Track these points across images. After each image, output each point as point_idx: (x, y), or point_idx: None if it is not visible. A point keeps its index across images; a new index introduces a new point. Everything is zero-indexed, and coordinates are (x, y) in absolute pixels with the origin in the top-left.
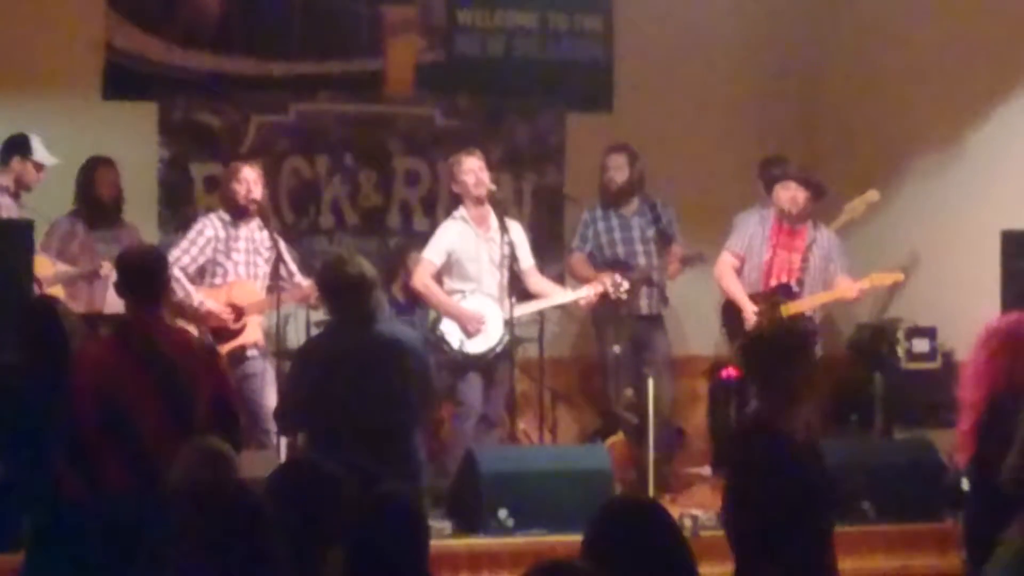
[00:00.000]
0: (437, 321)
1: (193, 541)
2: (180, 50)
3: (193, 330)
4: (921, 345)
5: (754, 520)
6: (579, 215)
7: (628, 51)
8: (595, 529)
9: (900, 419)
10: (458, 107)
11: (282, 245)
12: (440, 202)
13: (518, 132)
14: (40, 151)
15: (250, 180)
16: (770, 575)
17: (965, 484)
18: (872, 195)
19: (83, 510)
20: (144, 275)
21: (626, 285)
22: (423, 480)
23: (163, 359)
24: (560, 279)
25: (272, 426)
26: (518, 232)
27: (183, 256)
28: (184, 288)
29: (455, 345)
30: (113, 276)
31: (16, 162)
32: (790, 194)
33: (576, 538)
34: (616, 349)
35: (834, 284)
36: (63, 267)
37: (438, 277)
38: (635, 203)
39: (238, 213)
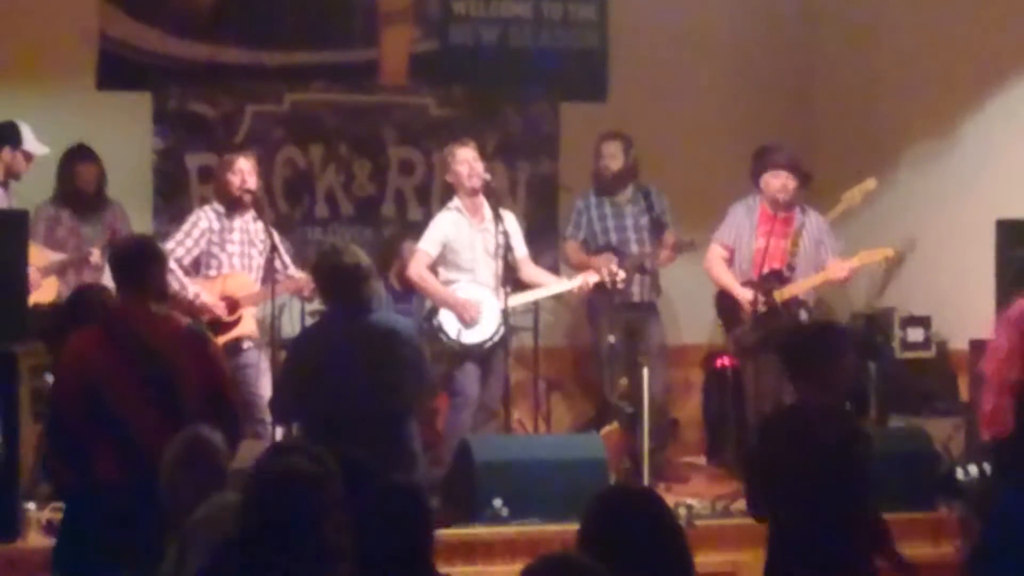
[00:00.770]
0: (433, 311)
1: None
2: (174, 40)
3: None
4: (916, 334)
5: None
6: (575, 202)
7: (622, 40)
8: (590, 518)
9: (895, 408)
10: (452, 97)
11: (276, 237)
12: (434, 191)
13: (512, 121)
14: (30, 141)
15: (244, 171)
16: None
17: (960, 473)
18: (870, 184)
19: (74, 501)
20: (131, 265)
21: (622, 275)
22: (418, 469)
23: (148, 349)
24: (554, 268)
25: (267, 416)
26: (512, 222)
27: (178, 248)
28: (179, 280)
29: (452, 335)
30: (104, 264)
31: (6, 152)
32: (780, 182)
33: (571, 527)
34: (611, 339)
35: (826, 267)
36: (54, 256)
37: (433, 268)
38: (629, 191)
39: (232, 204)
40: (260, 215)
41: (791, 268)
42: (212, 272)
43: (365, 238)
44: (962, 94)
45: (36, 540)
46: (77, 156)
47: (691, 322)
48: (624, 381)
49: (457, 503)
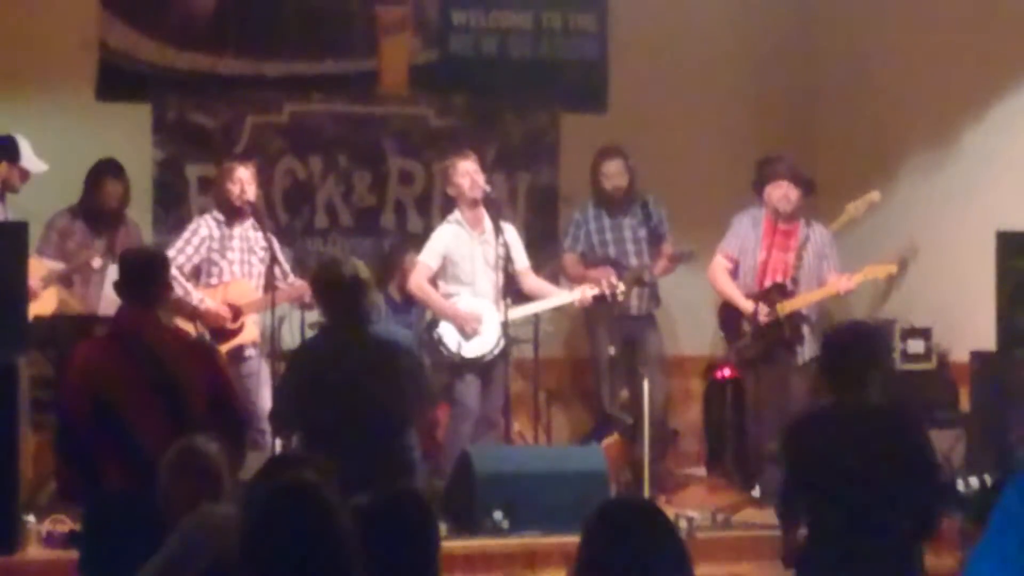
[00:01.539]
0: (433, 322)
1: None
2: (174, 50)
3: (191, 329)
4: (916, 346)
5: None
6: (573, 215)
7: (623, 50)
8: (591, 530)
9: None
10: (452, 107)
11: (276, 245)
12: (434, 202)
13: (512, 132)
14: (29, 157)
15: (244, 180)
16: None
17: (961, 484)
18: (873, 196)
19: (81, 508)
20: (144, 276)
21: (622, 287)
22: (418, 480)
23: (156, 358)
24: (554, 279)
25: (267, 427)
26: (512, 234)
27: (178, 256)
28: (183, 286)
29: (453, 347)
30: (108, 270)
31: (3, 166)
32: (782, 192)
33: (572, 539)
34: (611, 350)
35: (827, 280)
36: (53, 265)
37: (433, 280)
38: (627, 203)
39: (232, 213)
40: (260, 224)
41: (794, 281)
42: (213, 280)
43: (365, 249)
44: (962, 105)
45: (36, 552)
46: (107, 171)
47: (690, 333)
48: (624, 392)
49: (457, 514)
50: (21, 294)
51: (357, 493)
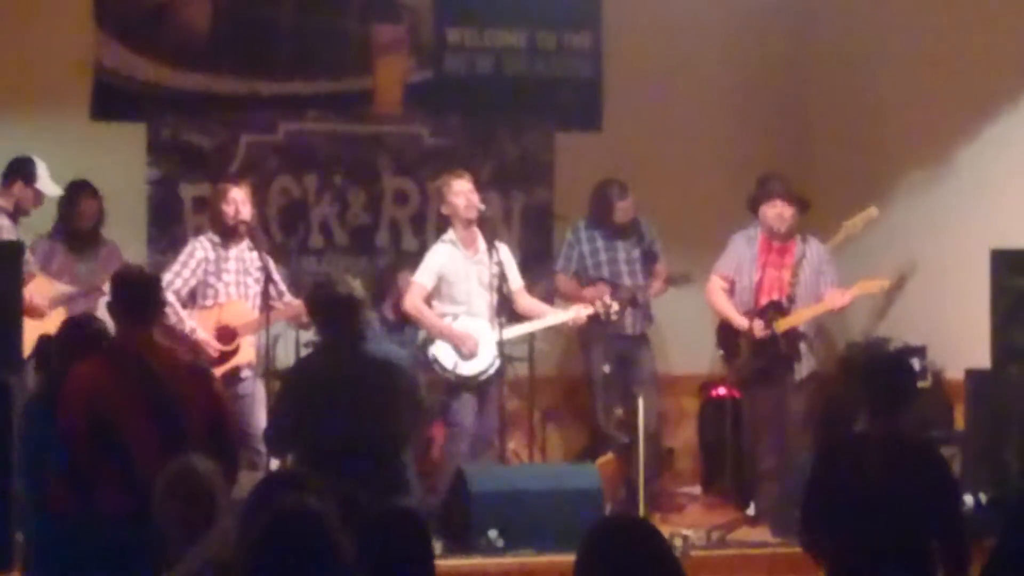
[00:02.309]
0: (427, 341)
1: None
2: (169, 70)
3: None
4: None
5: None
6: (566, 235)
7: (617, 69)
8: (587, 549)
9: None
10: (447, 126)
11: (271, 264)
12: (429, 221)
13: (507, 151)
14: (44, 180)
15: (238, 200)
16: None
17: None
18: (871, 212)
19: (77, 529)
20: (140, 295)
21: (616, 307)
22: (413, 499)
23: (155, 379)
24: (549, 298)
25: (262, 447)
26: (506, 253)
27: (175, 279)
28: (177, 314)
29: (449, 366)
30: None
31: (18, 187)
32: (777, 211)
33: (567, 558)
34: (606, 369)
35: (824, 296)
36: (63, 287)
37: (428, 300)
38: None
39: (227, 234)
40: (255, 244)
41: (791, 299)
42: (208, 302)
43: (359, 268)
44: (957, 123)
45: None
46: (79, 191)
47: (684, 352)
48: (619, 411)
49: (453, 533)
50: (16, 313)
51: (353, 512)
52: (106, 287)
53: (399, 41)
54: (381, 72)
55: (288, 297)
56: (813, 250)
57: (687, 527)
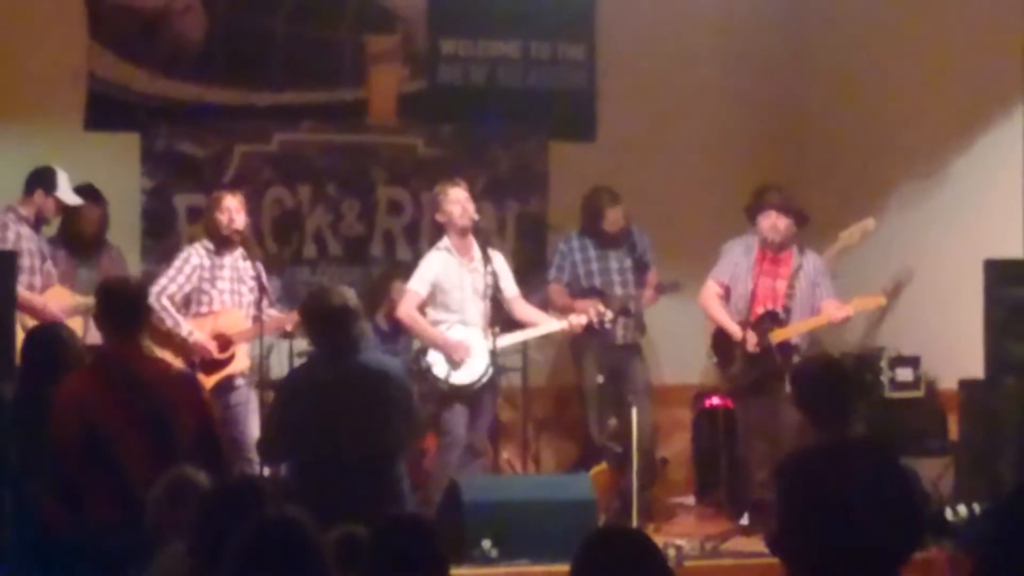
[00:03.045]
0: (422, 351)
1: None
2: (163, 80)
3: (179, 361)
4: (905, 374)
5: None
6: (558, 245)
7: (611, 80)
8: (581, 559)
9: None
10: (441, 136)
11: (263, 274)
12: (423, 231)
13: (501, 161)
14: (64, 190)
15: (232, 209)
16: None
17: (950, 512)
18: (869, 224)
19: (67, 541)
20: (126, 307)
21: (610, 315)
22: (407, 509)
23: (144, 390)
24: (543, 308)
25: (255, 456)
26: (500, 262)
27: (170, 285)
28: (173, 318)
29: (441, 376)
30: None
31: (39, 195)
32: (770, 222)
33: (560, 568)
34: (599, 379)
35: (820, 308)
36: (80, 298)
37: (421, 308)
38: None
39: (221, 242)
40: (249, 253)
41: (787, 310)
42: (203, 309)
43: (353, 278)
44: (950, 134)
45: None
46: (84, 196)
47: (676, 361)
48: (613, 421)
49: (446, 544)
50: (9, 322)
51: (346, 521)
52: None
53: (393, 51)
54: (375, 82)
55: (273, 309)
56: (810, 262)
57: (681, 537)
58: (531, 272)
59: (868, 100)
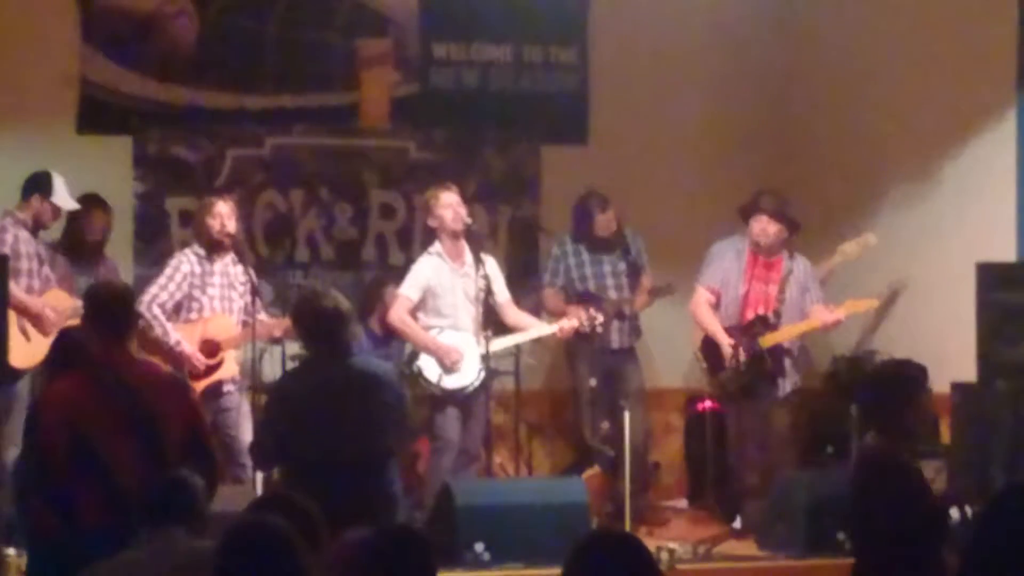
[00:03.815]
0: (414, 355)
1: None
2: (155, 84)
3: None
4: None
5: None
6: (552, 250)
7: (604, 84)
8: (572, 563)
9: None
10: (433, 140)
11: (254, 279)
12: (415, 235)
13: (493, 165)
14: (61, 195)
15: (224, 214)
16: None
17: None
18: (869, 239)
19: (58, 546)
20: (114, 311)
21: (601, 319)
22: (399, 514)
23: (132, 394)
24: (536, 311)
25: (248, 460)
26: (493, 266)
27: (161, 293)
28: (163, 326)
29: (434, 380)
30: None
31: (36, 200)
32: (761, 226)
33: (553, 572)
34: (593, 382)
35: (810, 314)
36: (79, 302)
37: (413, 313)
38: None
39: (212, 247)
40: (241, 259)
41: (777, 315)
42: (193, 315)
43: (346, 282)
44: (941, 138)
45: None
46: (91, 204)
47: (669, 366)
48: (605, 425)
49: (438, 548)
50: (2, 325)
51: (339, 527)
52: None
53: (385, 55)
54: (367, 86)
55: (263, 315)
56: (800, 267)
57: (673, 541)
58: (523, 276)
59: (860, 105)
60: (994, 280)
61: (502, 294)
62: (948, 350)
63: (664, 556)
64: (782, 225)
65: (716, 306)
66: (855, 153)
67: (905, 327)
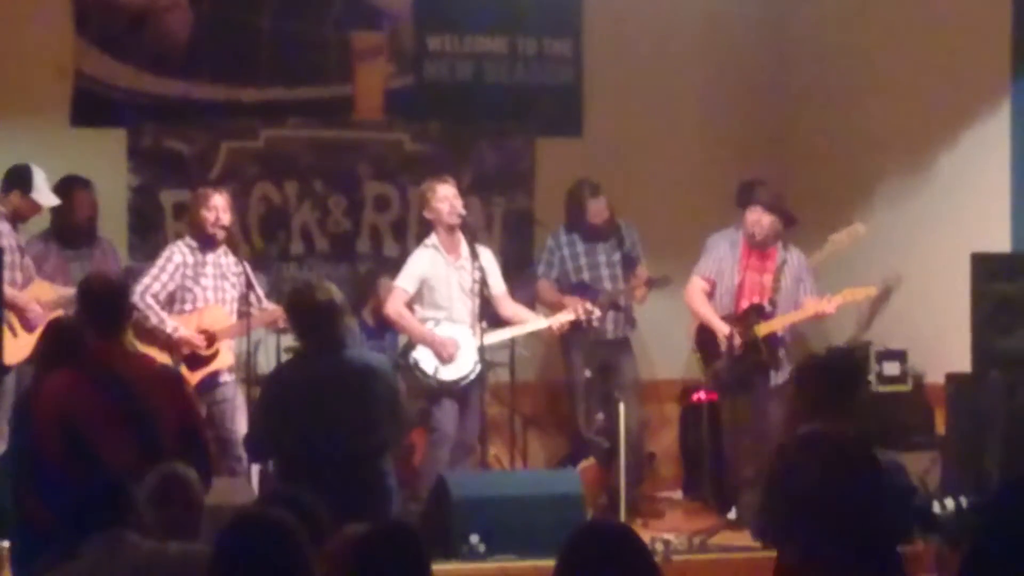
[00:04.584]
0: (409, 347)
1: None
2: (149, 76)
3: (166, 358)
4: (892, 368)
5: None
6: (546, 241)
7: (597, 76)
8: (566, 555)
9: (871, 442)
10: (427, 132)
11: (249, 270)
12: (410, 227)
13: (487, 157)
14: (41, 190)
15: (218, 207)
16: None
17: (937, 506)
18: (858, 229)
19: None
20: (107, 305)
21: (597, 313)
22: (394, 506)
23: (125, 386)
24: (530, 304)
25: (243, 453)
26: (488, 258)
27: (153, 284)
28: (158, 315)
29: (430, 372)
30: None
31: (15, 195)
32: (755, 217)
33: (548, 563)
34: (587, 373)
35: (803, 304)
36: (64, 291)
37: (409, 305)
38: (605, 231)
39: (206, 240)
40: (233, 249)
41: (772, 304)
42: (187, 306)
43: (340, 274)
44: (936, 129)
45: None
46: (71, 185)
47: (665, 357)
48: (600, 416)
49: (434, 540)
50: None
51: (334, 519)
52: None
53: (379, 48)
54: (361, 79)
55: (266, 303)
56: (794, 258)
57: (668, 532)
58: (518, 268)
59: (853, 95)
60: (988, 271)
61: (498, 286)
62: (943, 341)
63: (659, 547)
64: (776, 217)
65: (711, 296)
66: (849, 145)
67: (900, 318)
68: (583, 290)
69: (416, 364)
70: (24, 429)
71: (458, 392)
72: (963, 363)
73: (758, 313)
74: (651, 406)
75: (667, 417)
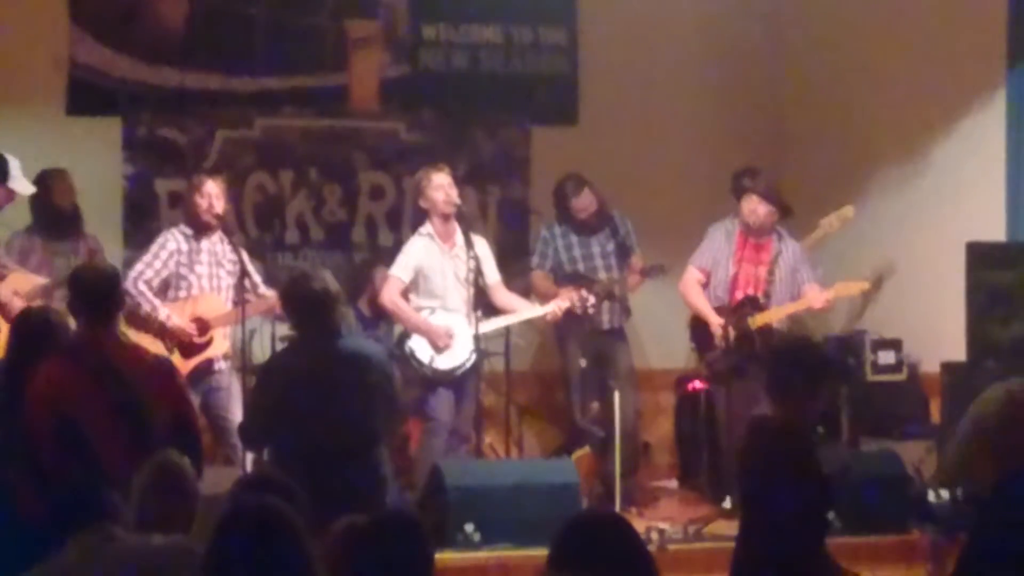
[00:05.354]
0: (404, 336)
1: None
2: (144, 66)
3: (159, 345)
4: (887, 357)
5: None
6: (541, 232)
7: (593, 65)
8: (560, 544)
9: (866, 431)
10: (423, 121)
11: (245, 257)
12: (405, 216)
13: (483, 146)
14: (17, 179)
15: (212, 194)
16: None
17: (932, 495)
18: (847, 211)
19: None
20: (99, 293)
21: (592, 300)
22: (388, 495)
23: (118, 376)
24: (526, 293)
25: (238, 441)
26: (483, 247)
27: (146, 270)
28: (150, 302)
29: (425, 361)
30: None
31: None
32: (751, 206)
33: (543, 552)
34: (582, 363)
35: (801, 294)
36: (40, 280)
37: (404, 294)
38: (596, 223)
39: (200, 227)
40: (228, 236)
41: (767, 295)
42: (182, 294)
43: (335, 263)
44: (931, 119)
45: None
46: (48, 175)
47: (660, 346)
48: (595, 405)
49: (429, 529)
50: None
51: (329, 508)
52: None
53: (374, 36)
54: (356, 68)
55: (263, 289)
56: (789, 248)
57: (663, 521)
58: (513, 257)
59: (849, 84)
60: (984, 260)
61: (492, 275)
62: (938, 330)
63: (654, 536)
64: (772, 206)
65: (705, 286)
66: (845, 134)
67: (895, 307)
68: (578, 281)
69: (411, 353)
70: (16, 416)
71: (453, 381)
72: (958, 352)
73: (752, 305)
74: (646, 395)
75: (662, 406)
